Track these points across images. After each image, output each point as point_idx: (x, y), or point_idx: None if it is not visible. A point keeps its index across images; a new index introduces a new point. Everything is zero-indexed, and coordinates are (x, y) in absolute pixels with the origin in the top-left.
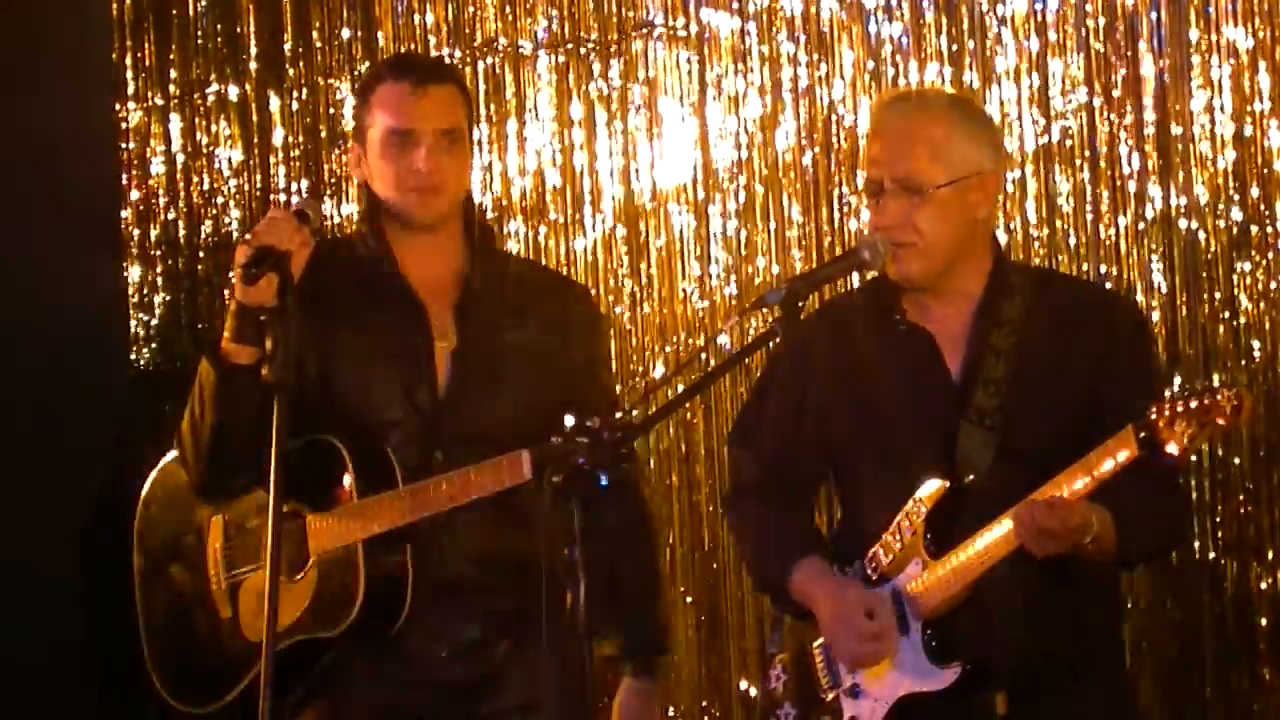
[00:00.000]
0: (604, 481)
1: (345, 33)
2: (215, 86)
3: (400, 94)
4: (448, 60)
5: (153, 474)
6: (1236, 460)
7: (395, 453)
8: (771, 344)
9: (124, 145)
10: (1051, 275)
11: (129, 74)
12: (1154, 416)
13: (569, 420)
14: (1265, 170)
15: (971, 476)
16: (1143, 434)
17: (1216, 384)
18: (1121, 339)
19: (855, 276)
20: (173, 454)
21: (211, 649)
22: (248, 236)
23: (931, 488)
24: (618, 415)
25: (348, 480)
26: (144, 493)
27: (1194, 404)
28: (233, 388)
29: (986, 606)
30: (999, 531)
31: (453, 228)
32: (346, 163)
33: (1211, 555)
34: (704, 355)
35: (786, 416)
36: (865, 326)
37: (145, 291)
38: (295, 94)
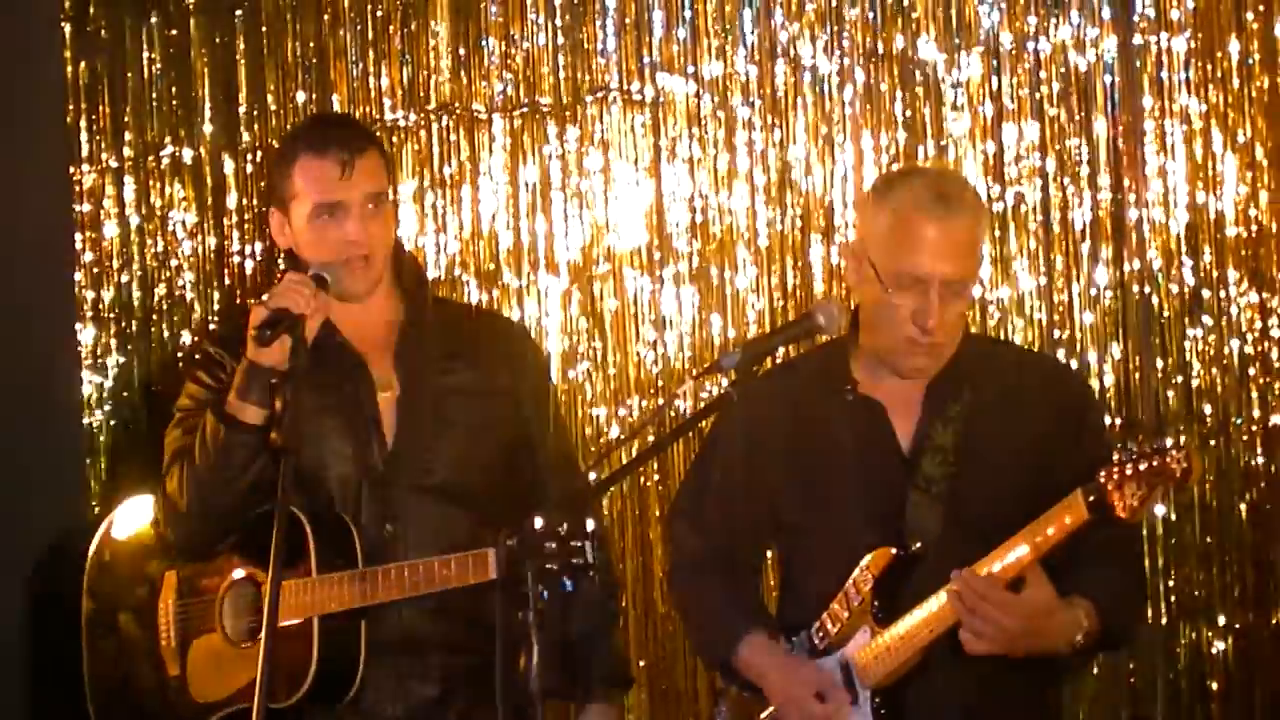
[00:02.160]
0: (568, 586)
1: (300, 96)
2: (170, 149)
3: (324, 169)
4: (398, 119)
5: (108, 520)
6: (1189, 525)
7: (350, 509)
8: (724, 408)
9: (78, 207)
10: (999, 344)
11: (83, 136)
12: (1102, 479)
13: (538, 522)
14: (1218, 235)
15: (919, 544)
16: (1091, 497)
17: (1165, 444)
18: (1070, 408)
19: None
20: (129, 502)
21: (156, 705)
22: (265, 298)
23: (879, 556)
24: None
25: (308, 554)
26: (97, 538)
27: (1142, 466)
28: (239, 446)
29: (935, 675)
30: (946, 599)
31: (381, 285)
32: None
33: (1164, 620)
34: (658, 419)
35: (732, 490)
36: (815, 395)
37: (98, 353)
38: (250, 157)
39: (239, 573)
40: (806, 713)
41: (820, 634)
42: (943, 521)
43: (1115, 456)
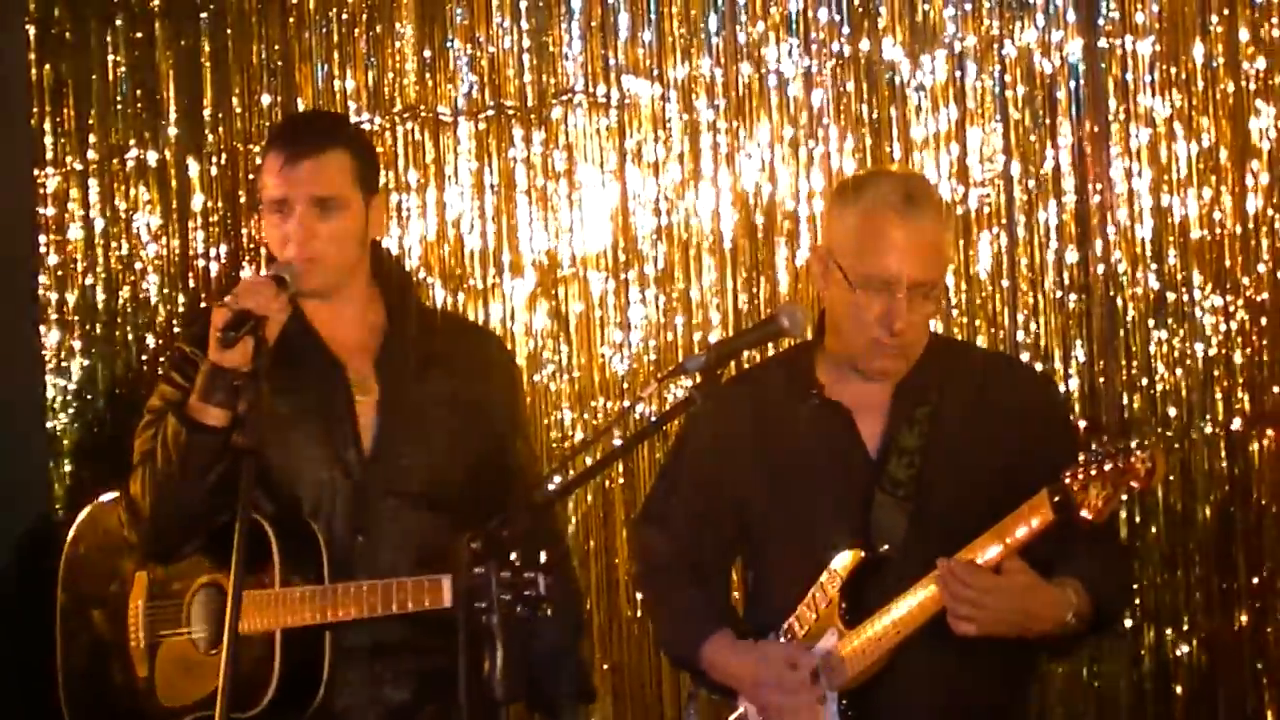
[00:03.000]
0: (522, 615)
1: (265, 98)
2: (134, 152)
3: (277, 163)
4: (363, 121)
5: (84, 512)
6: (1153, 528)
7: (324, 516)
8: (689, 411)
9: (42, 210)
10: (967, 347)
11: (48, 139)
12: (1068, 480)
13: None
14: (1182, 238)
15: (886, 546)
16: (1057, 498)
17: (1130, 445)
18: (1036, 410)
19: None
20: (107, 495)
21: (125, 704)
22: (226, 299)
23: (846, 558)
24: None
25: (272, 565)
26: (74, 529)
27: (1107, 467)
28: (202, 449)
29: (903, 678)
30: (914, 600)
31: (356, 288)
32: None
33: (1129, 623)
34: (623, 422)
35: (699, 495)
36: (782, 399)
37: (62, 356)
38: (214, 159)
39: (207, 578)
40: (783, 683)
41: (788, 636)
42: (909, 524)
43: (1081, 457)
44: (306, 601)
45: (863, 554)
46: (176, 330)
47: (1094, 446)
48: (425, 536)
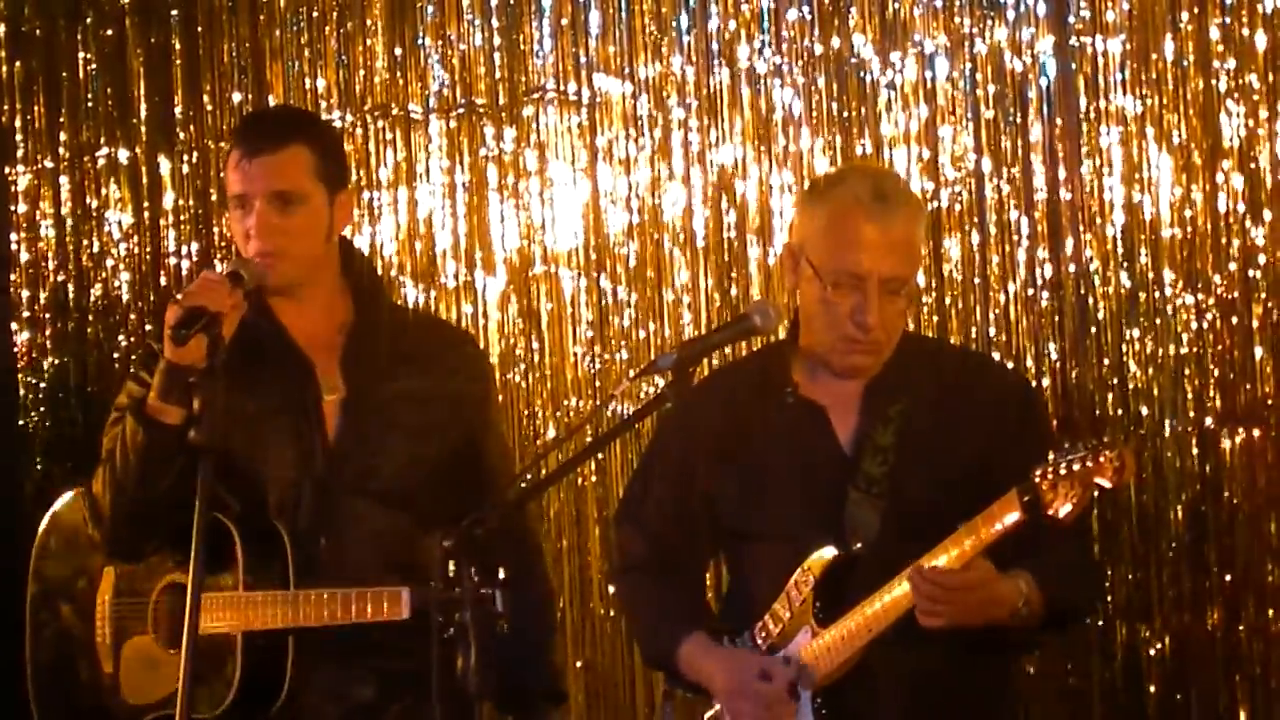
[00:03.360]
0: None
1: (236, 96)
2: (105, 149)
3: (234, 159)
4: (334, 119)
5: (58, 502)
6: (1125, 526)
7: (290, 515)
8: (661, 409)
9: (13, 208)
10: (942, 345)
11: (19, 136)
12: (1037, 479)
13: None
14: (1153, 237)
15: (859, 545)
16: (1026, 497)
17: (1099, 444)
18: (1010, 406)
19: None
20: (79, 489)
21: (90, 700)
22: (179, 296)
23: (820, 556)
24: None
25: (237, 567)
26: (47, 520)
27: (1076, 466)
28: (158, 447)
29: (877, 677)
30: (887, 598)
31: (323, 285)
32: None
33: (1100, 621)
34: (596, 419)
35: (673, 495)
36: (755, 398)
37: (34, 354)
38: (186, 157)
39: (171, 577)
40: (754, 694)
41: (763, 634)
42: (881, 521)
43: (1051, 456)
44: (269, 605)
45: (835, 552)
46: (148, 328)
47: (1064, 445)
48: (393, 536)
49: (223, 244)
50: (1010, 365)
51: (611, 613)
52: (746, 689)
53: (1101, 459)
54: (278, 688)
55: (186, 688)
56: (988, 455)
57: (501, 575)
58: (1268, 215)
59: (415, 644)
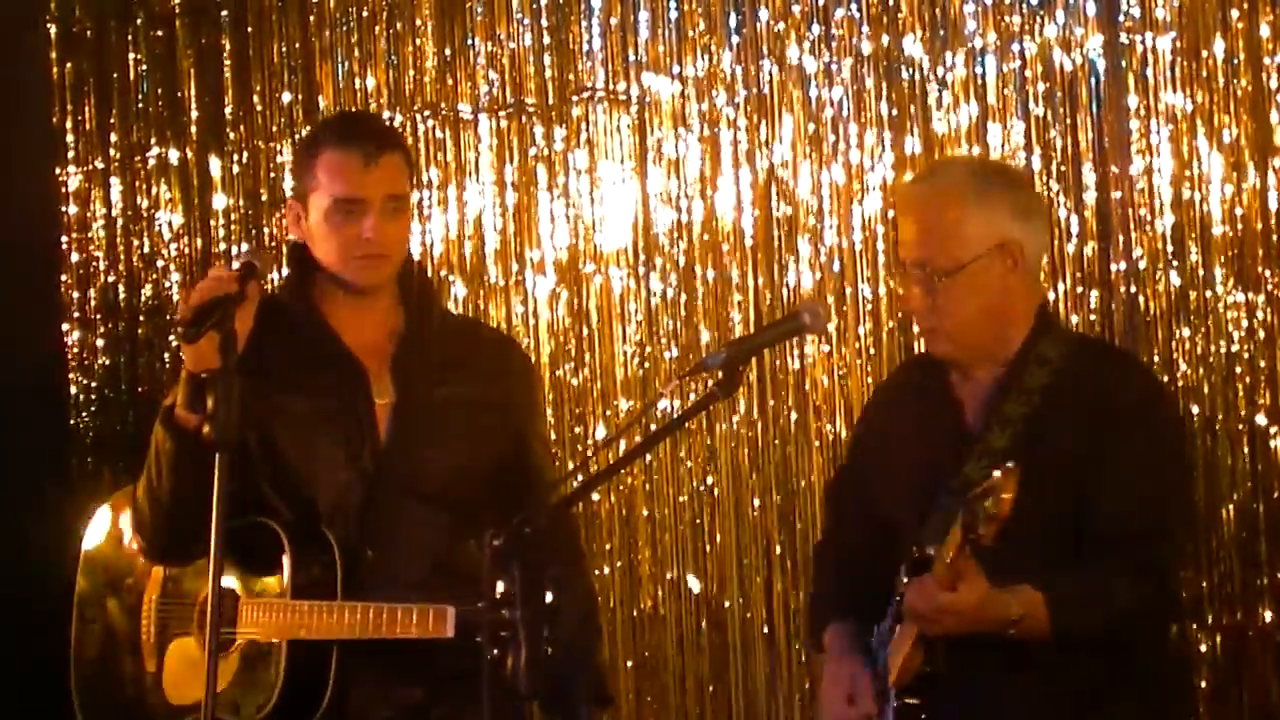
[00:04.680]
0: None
1: (286, 96)
2: (156, 150)
3: (349, 163)
4: (387, 122)
5: (110, 501)
6: None
7: (341, 519)
8: (710, 408)
9: (64, 208)
10: (1090, 345)
11: (69, 137)
12: (972, 502)
13: (499, 586)
14: (1204, 235)
15: (932, 549)
16: (967, 519)
17: (1003, 467)
18: (1120, 426)
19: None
20: (129, 488)
21: (134, 697)
22: (184, 297)
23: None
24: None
25: (284, 573)
26: (94, 520)
27: (979, 490)
28: (186, 454)
29: (960, 680)
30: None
31: (390, 289)
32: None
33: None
34: (644, 419)
35: (855, 479)
36: (914, 391)
37: (85, 354)
38: (236, 157)
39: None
40: (832, 710)
41: (887, 629)
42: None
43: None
44: (314, 614)
45: (915, 552)
46: None
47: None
48: (441, 541)
49: (272, 244)
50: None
51: (660, 611)
52: (831, 700)
53: (995, 477)
54: (320, 694)
55: (211, 688)
56: (1084, 474)
57: (500, 589)
58: None
59: (460, 642)
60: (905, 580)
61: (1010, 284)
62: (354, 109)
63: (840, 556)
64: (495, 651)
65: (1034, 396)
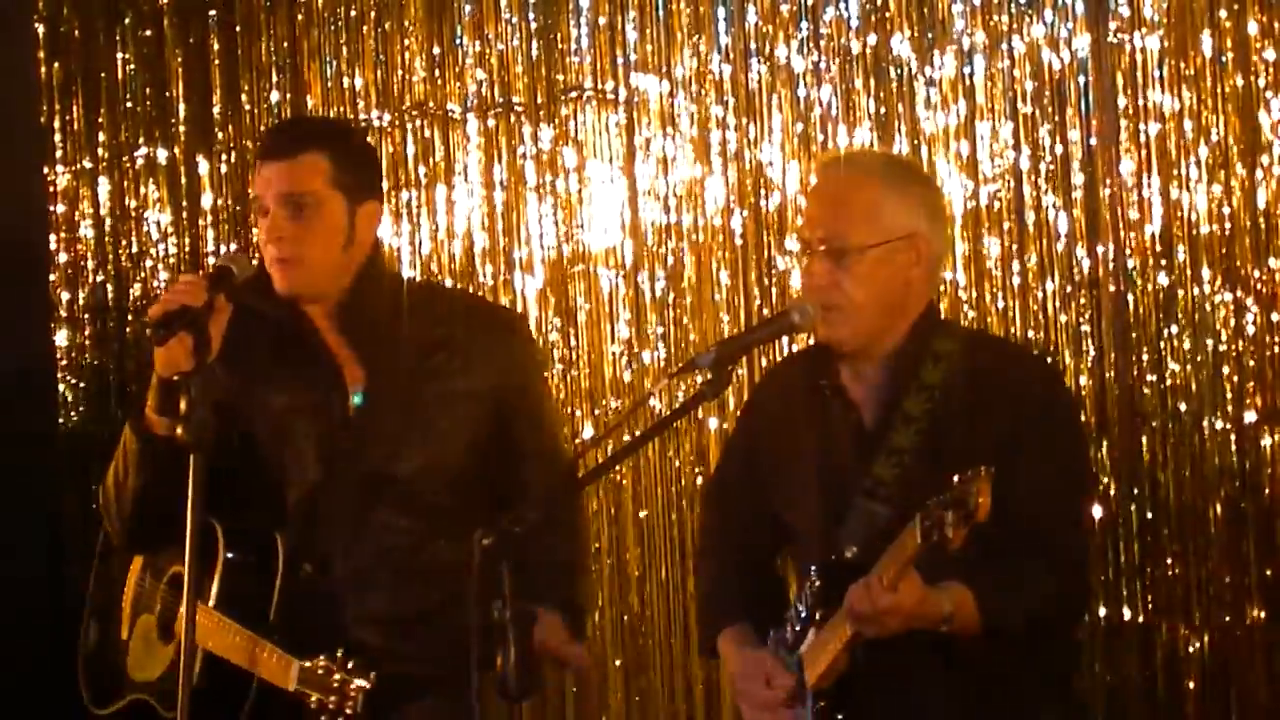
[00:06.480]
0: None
1: (274, 96)
2: (144, 150)
3: (257, 163)
4: (372, 119)
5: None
6: (1164, 524)
7: (310, 515)
8: (700, 407)
9: (52, 208)
10: (983, 339)
11: (57, 137)
12: (933, 507)
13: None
14: (1192, 233)
15: (852, 550)
16: (926, 523)
17: (977, 473)
18: (1025, 419)
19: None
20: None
21: (111, 656)
22: (157, 297)
23: (825, 560)
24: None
25: (213, 576)
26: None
27: (950, 496)
28: (154, 456)
29: (874, 680)
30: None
31: (333, 301)
32: None
33: (1140, 619)
34: (633, 418)
35: (736, 481)
36: (801, 388)
37: (74, 354)
38: (224, 157)
39: (179, 568)
40: (754, 699)
41: (788, 632)
42: (883, 525)
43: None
44: (227, 635)
45: (832, 557)
46: None
47: (955, 478)
48: (406, 542)
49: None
50: (1047, 362)
51: (648, 611)
52: (749, 692)
53: (972, 488)
54: (239, 707)
55: (187, 687)
56: (1002, 464)
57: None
58: None
59: (430, 646)
60: (817, 582)
61: (911, 277)
62: (295, 115)
63: (731, 558)
64: (508, 614)
65: (934, 392)
